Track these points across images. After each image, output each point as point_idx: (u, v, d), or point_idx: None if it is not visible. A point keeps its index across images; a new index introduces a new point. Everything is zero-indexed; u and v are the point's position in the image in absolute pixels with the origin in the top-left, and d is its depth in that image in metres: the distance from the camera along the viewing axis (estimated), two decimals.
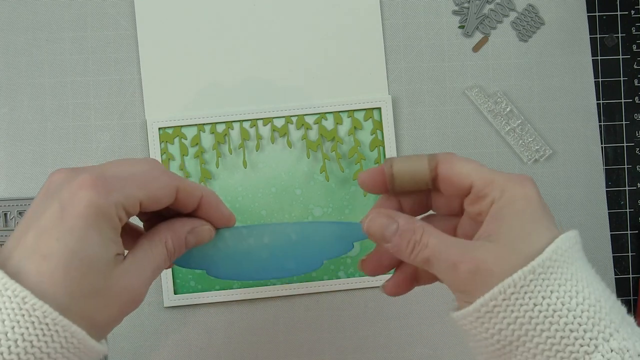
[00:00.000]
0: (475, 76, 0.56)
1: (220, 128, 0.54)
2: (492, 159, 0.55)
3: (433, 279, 0.40)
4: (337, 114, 0.55)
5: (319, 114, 0.54)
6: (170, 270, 0.53)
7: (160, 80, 0.54)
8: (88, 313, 0.35)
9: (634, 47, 0.57)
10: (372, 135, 0.55)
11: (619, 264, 0.56)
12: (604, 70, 0.56)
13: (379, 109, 0.55)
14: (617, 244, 0.56)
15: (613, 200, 0.56)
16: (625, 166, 0.56)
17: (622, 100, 0.56)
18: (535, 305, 0.35)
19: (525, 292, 0.35)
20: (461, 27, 0.56)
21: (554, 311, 0.35)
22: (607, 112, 0.56)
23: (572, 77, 0.56)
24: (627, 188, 0.56)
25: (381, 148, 0.55)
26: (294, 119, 0.54)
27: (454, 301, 0.37)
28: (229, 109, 0.54)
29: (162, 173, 0.38)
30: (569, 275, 0.35)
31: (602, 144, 0.56)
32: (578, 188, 0.56)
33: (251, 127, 0.54)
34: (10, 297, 0.33)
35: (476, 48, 0.56)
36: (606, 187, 0.56)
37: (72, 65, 0.55)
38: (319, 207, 0.54)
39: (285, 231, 0.43)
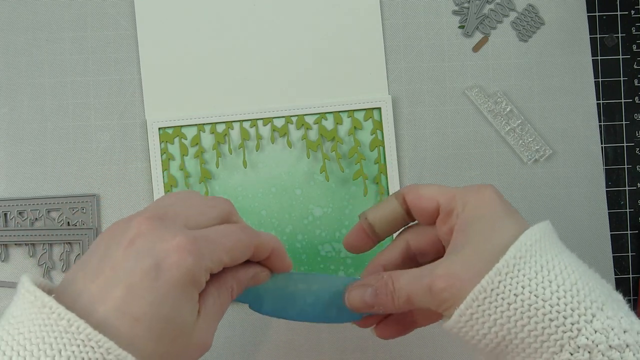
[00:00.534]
0: (475, 76, 0.56)
1: (220, 128, 0.54)
2: (492, 159, 0.55)
3: (430, 317, 0.43)
4: (337, 114, 0.55)
5: (319, 114, 0.54)
6: None
7: (160, 80, 0.54)
8: None
9: (634, 47, 0.57)
10: (372, 135, 0.55)
11: (619, 264, 0.56)
12: (604, 70, 0.56)
13: (379, 109, 0.55)
14: (617, 244, 0.56)
15: (613, 200, 0.56)
16: (625, 166, 0.56)
17: (622, 100, 0.56)
18: (510, 304, 0.35)
19: (497, 294, 0.36)
20: (461, 27, 0.56)
21: (530, 305, 0.35)
22: (607, 112, 0.56)
23: (572, 77, 0.56)
24: (627, 188, 0.56)
25: (381, 148, 0.55)
26: (294, 119, 0.54)
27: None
28: (229, 109, 0.54)
29: (243, 233, 0.39)
30: (539, 267, 0.36)
31: (602, 144, 0.56)
32: (578, 188, 0.56)
33: (251, 127, 0.54)
34: (93, 348, 0.33)
35: (476, 48, 0.56)
36: (606, 187, 0.56)
37: (72, 65, 0.55)
38: (319, 207, 0.54)
39: (335, 283, 0.44)
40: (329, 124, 0.55)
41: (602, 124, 0.56)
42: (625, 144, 0.56)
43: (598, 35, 0.57)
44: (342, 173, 0.54)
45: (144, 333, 0.34)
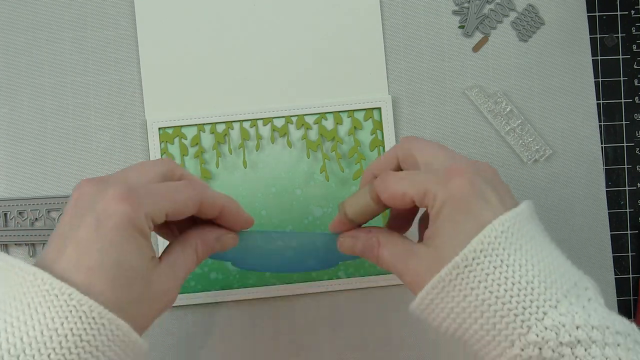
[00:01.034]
0: (475, 76, 0.56)
1: (220, 128, 0.54)
2: (492, 159, 0.55)
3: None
4: (337, 114, 0.55)
5: (319, 114, 0.54)
6: None
7: (160, 80, 0.54)
8: (131, 316, 0.37)
9: (634, 47, 0.57)
10: (372, 135, 0.55)
11: (619, 264, 0.56)
12: (604, 70, 0.56)
13: (379, 109, 0.55)
14: (617, 244, 0.56)
15: (613, 200, 0.56)
16: (625, 166, 0.56)
17: (622, 100, 0.56)
18: (465, 296, 0.37)
19: (455, 286, 0.37)
20: (461, 27, 0.56)
21: (484, 300, 0.37)
22: (607, 112, 0.56)
23: (572, 77, 0.56)
24: (627, 188, 0.56)
25: (381, 148, 0.55)
26: (294, 119, 0.54)
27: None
28: (229, 109, 0.54)
29: (187, 186, 0.42)
30: (499, 262, 0.37)
31: (602, 144, 0.56)
32: (578, 188, 0.56)
33: (251, 127, 0.54)
34: (57, 295, 0.35)
35: (476, 48, 0.56)
36: (606, 187, 0.56)
37: (72, 65, 0.55)
38: (319, 207, 0.54)
39: (312, 238, 0.48)
40: (329, 124, 0.55)
41: (602, 124, 0.56)
42: (625, 144, 0.56)
43: (598, 35, 0.57)
44: (342, 173, 0.54)
45: (99, 280, 0.36)
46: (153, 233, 0.41)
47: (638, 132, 0.56)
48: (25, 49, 0.54)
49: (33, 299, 0.36)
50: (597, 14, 0.57)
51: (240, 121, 0.54)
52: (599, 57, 0.57)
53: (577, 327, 0.36)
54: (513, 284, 0.37)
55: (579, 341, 0.36)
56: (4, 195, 0.54)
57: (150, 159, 0.54)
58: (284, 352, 0.54)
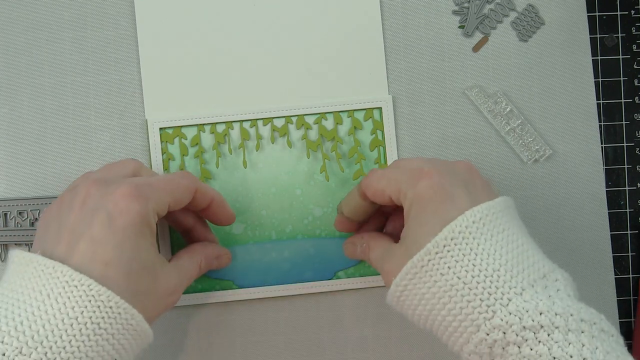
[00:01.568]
0: (475, 76, 0.56)
1: (220, 128, 0.54)
2: (492, 159, 0.55)
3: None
4: (337, 114, 0.55)
5: (319, 114, 0.54)
6: None
7: (160, 80, 0.54)
8: (141, 307, 0.40)
9: (634, 47, 0.57)
10: (372, 135, 0.55)
11: (619, 264, 0.56)
12: (604, 70, 0.56)
13: (379, 109, 0.55)
14: (617, 244, 0.56)
15: (613, 200, 0.56)
16: (625, 166, 0.56)
17: (622, 100, 0.56)
18: (436, 282, 0.39)
19: (426, 271, 0.40)
20: (461, 27, 0.56)
21: (452, 285, 0.39)
22: (607, 112, 0.56)
23: (572, 77, 0.56)
24: (627, 188, 0.56)
25: (381, 148, 0.55)
26: (294, 119, 0.54)
27: None
28: (229, 109, 0.54)
29: (182, 177, 0.45)
30: (468, 250, 0.39)
31: (602, 144, 0.56)
32: (578, 188, 0.56)
33: (251, 127, 0.54)
34: (76, 286, 0.37)
35: (476, 48, 0.56)
36: (606, 187, 0.56)
37: (72, 65, 0.55)
38: (319, 207, 0.54)
39: (304, 246, 0.53)
40: (329, 124, 0.55)
41: (602, 124, 0.56)
42: (625, 144, 0.56)
43: (598, 35, 0.57)
44: (342, 173, 0.54)
45: (115, 274, 0.39)
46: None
47: (638, 132, 0.56)
48: (25, 49, 0.54)
49: (53, 290, 0.37)
50: (597, 14, 0.57)
51: (240, 121, 0.54)
52: (599, 57, 0.57)
53: (540, 313, 0.37)
54: (480, 271, 0.38)
55: (541, 326, 0.37)
56: (4, 195, 0.54)
57: (151, 159, 0.54)
58: (284, 352, 0.54)
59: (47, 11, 0.55)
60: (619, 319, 0.55)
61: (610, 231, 0.56)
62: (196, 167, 0.54)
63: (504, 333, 0.37)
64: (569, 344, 0.36)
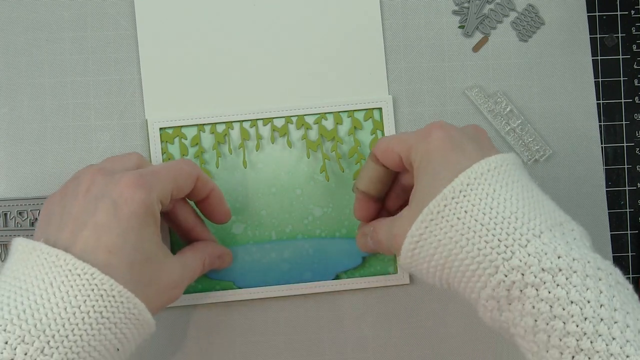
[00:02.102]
0: (475, 76, 0.56)
1: (220, 128, 0.54)
2: None
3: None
4: (337, 114, 0.55)
5: (319, 114, 0.54)
6: None
7: (160, 80, 0.54)
8: (144, 298, 0.40)
9: (634, 47, 0.57)
10: (372, 135, 0.55)
11: (619, 264, 0.55)
12: (604, 70, 0.56)
13: (379, 109, 0.55)
14: (617, 244, 0.56)
15: (613, 200, 0.56)
16: (625, 166, 0.56)
17: (622, 100, 0.56)
18: (452, 226, 0.39)
19: (442, 217, 0.39)
20: (461, 27, 0.56)
21: (469, 228, 0.38)
22: (607, 112, 0.56)
23: (572, 77, 0.56)
24: (627, 188, 0.56)
25: None
26: (294, 119, 0.54)
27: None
28: (229, 109, 0.54)
29: (185, 163, 0.45)
30: (485, 195, 0.39)
31: (602, 144, 0.56)
32: (578, 188, 0.56)
33: (251, 127, 0.54)
34: (79, 275, 0.37)
35: (476, 48, 0.56)
36: (606, 187, 0.56)
37: (72, 65, 0.55)
38: (319, 207, 0.54)
39: (304, 247, 0.53)
40: (329, 124, 0.55)
41: (602, 124, 0.56)
42: (625, 144, 0.56)
43: (598, 35, 0.57)
44: (342, 173, 0.54)
45: (118, 262, 0.39)
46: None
47: (638, 132, 0.56)
48: (25, 49, 0.54)
49: (56, 278, 0.37)
50: (597, 14, 0.57)
51: (240, 121, 0.54)
52: (599, 57, 0.57)
53: (559, 257, 0.37)
54: (498, 213, 0.38)
55: (560, 269, 0.36)
56: (4, 195, 0.54)
57: (151, 159, 0.54)
58: (284, 352, 0.54)
59: (47, 11, 0.55)
60: None
61: (610, 231, 0.56)
62: None
63: (522, 274, 0.37)
64: (587, 289, 0.36)
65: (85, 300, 0.37)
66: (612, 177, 0.56)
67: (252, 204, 0.54)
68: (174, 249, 0.53)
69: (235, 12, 0.55)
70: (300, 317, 0.54)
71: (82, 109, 0.54)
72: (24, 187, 0.54)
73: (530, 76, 0.56)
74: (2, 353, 0.35)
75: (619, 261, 0.56)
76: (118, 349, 0.39)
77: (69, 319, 0.37)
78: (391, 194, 0.49)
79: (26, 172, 0.54)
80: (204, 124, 0.54)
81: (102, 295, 0.37)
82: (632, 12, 0.57)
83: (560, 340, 0.35)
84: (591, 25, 0.56)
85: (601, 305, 0.35)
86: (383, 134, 0.54)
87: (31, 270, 0.38)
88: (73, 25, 0.55)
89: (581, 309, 0.35)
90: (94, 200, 0.40)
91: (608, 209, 0.56)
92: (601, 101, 0.56)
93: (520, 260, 0.37)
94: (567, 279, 0.36)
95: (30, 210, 0.53)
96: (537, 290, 0.36)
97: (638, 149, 0.56)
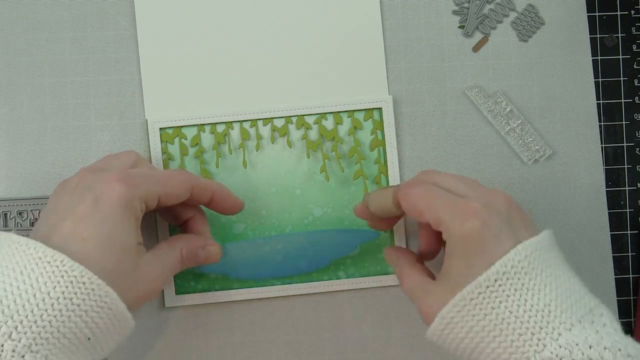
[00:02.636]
0: (475, 76, 0.56)
1: (220, 128, 0.54)
2: (492, 159, 0.55)
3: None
4: (337, 114, 0.55)
5: (319, 114, 0.54)
6: None
7: (160, 80, 0.54)
8: (119, 289, 0.40)
9: (634, 47, 0.57)
10: (372, 135, 0.55)
11: (619, 264, 0.56)
12: (604, 70, 0.56)
13: (379, 109, 0.55)
14: (617, 244, 0.56)
15: (613, 200, 0.56)
16: (625, 166, 0.56)
17: (622, 100, 0.56)
18: (486, 315, 0.40)
19: (476, 304, 0.40)
20: (461, 27, 0.56)
21: (503, 319, 0.39)
22: (607, 112, 0.56)
23: (572, 77, 0.56)
24: (627, 188, 0.56)
25: (381, 148, 0.55)
26: (294, 119, 0.54)
27: None
28: (229, 109, 0.54)
29: (179, 172, 0.46)
30: (520, 285, 0.39)
31: (602, 144, 0.56)
32: (578, 188, 0.56)
33: (251, 127, 0.54)
34: (49, 262, 0.38)
35: (476, 48, 0.56)
36: (606, 187, 0.56)
37: (72, 65, 0.55)
38: (319, 207, 0.54)
39: (297, 239, 0.53)
40: (329, 124, 0.55)
41: (602, 124, 0.56)
42: (625, 144, 0.56)
43: (598, 35, 0.57)
44: (342, 173, 0.54)
45: (92, 250, 0.39)
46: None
47: (638, 132, 0.56)
48: (25, 49, 0.54)
49: (26, 266, 0.38)
50: (597, 14, 0.57)
51: (240, 121, 0.54)
52: (599, 57, 0.57)
53: (590, 347, 0.37)
54: (532, 305, 0.39)
55: (590, 359, 0.37)
56: (4, 195, 0.54)
57: (151, 159, 0.54)
58: (284, 352, 0.54)
59: (47, 11, 0.55)
60: (619, 319, 0.55)
61: (610, 231, 0.56)
62: (196, 167, 0.54)
63: None
64: None
65: (55, 286, 0.37)
66: (612, 177, 0.56)
67: (252, 204, 0.54)
68: None
69: (235, 12, 0.55)
70: (300, 317, 0.54)
71: (82, 109, 0.54)
72: (24, 187, 0.54)
73: (530, 76, 0.56)
74: None
75: (619, 261, 0.56)
76: (89, 338, 0.39)
77: (37, 305, 0.37)
78: None
79: (26, 172, 0.54)
80: (204, 124, 0.54)
81: (71, 282, 0.37)
82: (632, 12, 0.57)
83: None
84: (591, 25, 0.56)
85: None
86: (383, 134, 0.54)
87: (2, 259, 0.39)
88: (73, 25, 0.55)
89: None
90: (79, 194, 0.41)
91: (608, 209, 0.56)
92: (601, 101, 0.56)
93: (552, 352, 0.38)
94: None
95: (30, 210, 0.53)
96: None
97: (638, 149, 0.56)
